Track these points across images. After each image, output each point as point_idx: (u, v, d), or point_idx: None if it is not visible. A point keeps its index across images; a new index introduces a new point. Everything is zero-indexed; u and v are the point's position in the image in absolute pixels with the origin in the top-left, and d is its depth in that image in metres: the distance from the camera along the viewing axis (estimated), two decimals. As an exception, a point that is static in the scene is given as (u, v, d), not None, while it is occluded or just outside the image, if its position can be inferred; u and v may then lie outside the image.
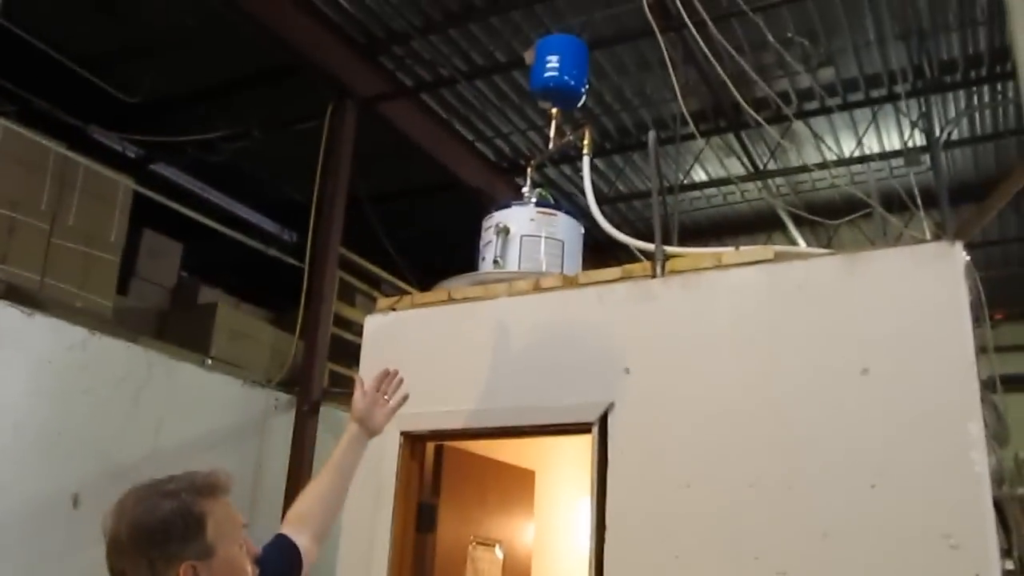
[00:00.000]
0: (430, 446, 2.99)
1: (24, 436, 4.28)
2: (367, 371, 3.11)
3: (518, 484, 3.46)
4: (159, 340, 5.26)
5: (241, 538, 1.68)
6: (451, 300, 3.01)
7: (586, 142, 3.23)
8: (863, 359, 2.36)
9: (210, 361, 5.39)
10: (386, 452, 2.92)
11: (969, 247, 2.49)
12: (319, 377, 5.41)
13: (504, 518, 3.32)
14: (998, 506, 2.41)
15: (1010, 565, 2.38)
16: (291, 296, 5.78)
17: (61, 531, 4.44)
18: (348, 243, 5.89)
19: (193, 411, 5.07)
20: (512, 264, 3.01)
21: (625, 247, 3.10)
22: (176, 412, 4.96)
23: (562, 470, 3.93)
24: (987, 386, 2.56)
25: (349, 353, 5.66)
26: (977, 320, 2.46)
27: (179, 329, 5.75)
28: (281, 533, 2.03)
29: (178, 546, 1.57)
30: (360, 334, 3.24)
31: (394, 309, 3.11)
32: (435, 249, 6.51)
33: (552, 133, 3.24)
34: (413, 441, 2.93)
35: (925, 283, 2.37)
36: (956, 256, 2.36)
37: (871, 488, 2.26)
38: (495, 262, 3.02)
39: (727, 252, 2.66)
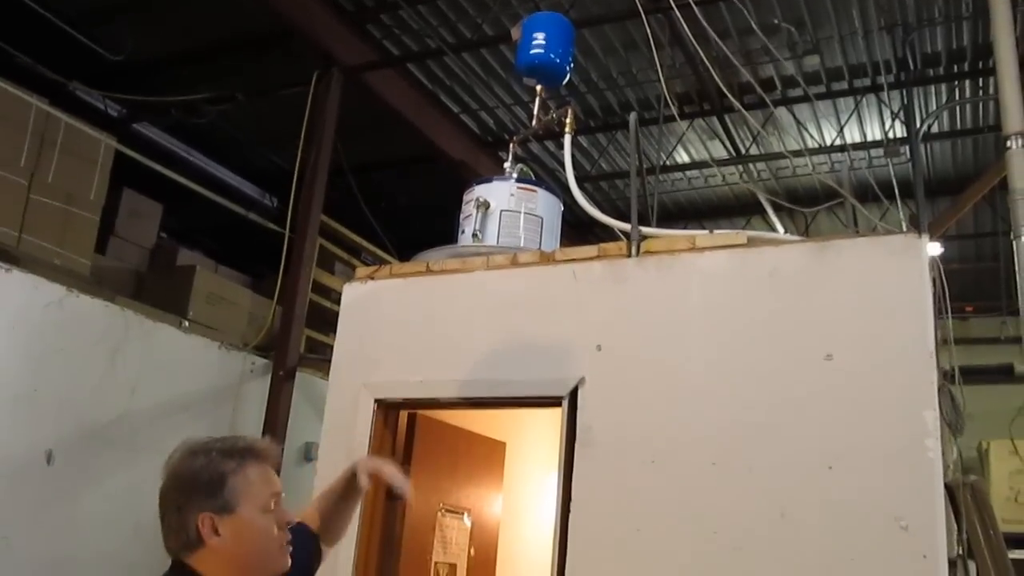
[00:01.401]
0: (403, 414, 3.04)
1: (-1, 393, 4.30)
2: (343, 339, 3.17)
3: (489, 455, 3.53)
4: (136, 301, 5.26)
5: (269, 504, 1.75)
6: (429, 272, 3.05)
7: (569, 120, 3.27)
8: (827, 345, 2.43)
9: (187, 323, 5.40)
10: (360, 418, 2.97)
11: (943, 240, 2.56)
12: (296, 343, 5.44)
13: (473, 488, 3.38)
14: (950, 492, 2.50)
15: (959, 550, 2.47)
16: (270, 262, 5.79)
17: (35, 487, 4.46)
18: (329, 211, 5.90)
19: (169, 372, 5.09)
20: (491, 238, 3.06)
21: (604, 225, 3.15)
22: (152, 373, 4.97)
23: (532, 443, 4.00)
24: (947, 377, 2.64)
25: (326, 320, 5.69)
26: (941, 312, 2.53)
27: (157, 290, 5.74)
28: (302, 522, 2.10)
29: (199, 497, 1.69)
30: (338, 302, 3.28)
31: (372, 278, 3.14)
32: (415, 221, 6.54)
33: (536, 109, 3.27)
34: (387, 409, 2.98)
35: (891, 273, 2.43)
36: (922, 248, 2.43)
37: (828, 470, 2.34)
38: (474, 236, 3.06)
39: (701, 235, 2.72)
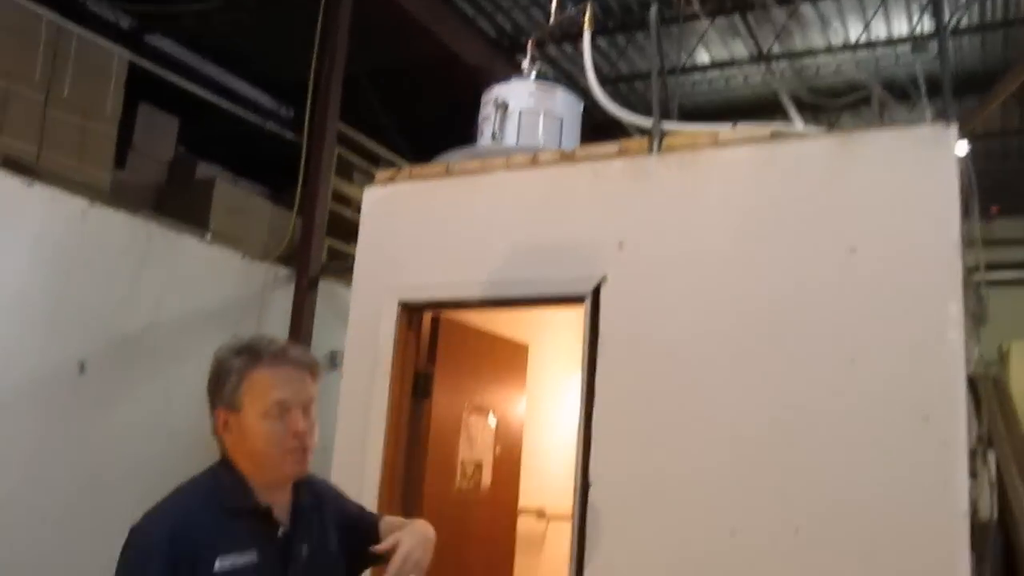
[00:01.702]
0: (427, 317, 3.07)
1: (29, 306, 4.35)
2: (365, 243, 3.18)
3: (511, 357, 3.57)
4: (157, 215, 5.28)
5: (270, 410, 1.77)
6: (449, 173, 3.03)
7: (587, 17, 3.19)
8: (851, 238, 2.41)
9: (209, 236, 5.43)
10: (384, 322, 3.01)
11: (970, 139, 2.50)
12: (317, 252, 5.46)
13: (497, 389, 3.43)
14: (972, 384, 2.51)
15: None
16: (289, 173, 5.77)
17: (69, 396, 4.57)
18: (346, 119, 5.84)
19: (193, 284, 5.14)
20: (510, 139, 3.03)
21: (623, 129, 3.11)
22: (177, 284, 5.02)
23: (554, 347, 4.04)
24: (971, 271, 2.63)
25: (347, 230, 5.69)
26: (967, 210, 2.50)
27: (177, 205, 5.75)
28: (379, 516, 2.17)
29: (215, 393, 1.80)
30: (358, 210, 3.28)
31: (392, 181, 3.14)
32: (433, 128, 6.46)
33: (554, 6, 3.20)
34: (411, 312, 3.01)
35: (917, 164, 2.40)
36: (949, 139, 2.38)
37: (851, 363, 2.35)
38: (493, 137, 3.04)
39: (724, 130, 2.68)
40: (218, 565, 1.70)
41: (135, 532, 1.72)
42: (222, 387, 1.79)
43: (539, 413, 3.97)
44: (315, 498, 1.95)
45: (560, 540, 4.05)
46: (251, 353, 1.80)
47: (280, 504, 1.83)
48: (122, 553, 1.70)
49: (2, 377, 4.28)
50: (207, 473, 1.84)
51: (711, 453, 2.46)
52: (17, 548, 4.34)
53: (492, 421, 3.36)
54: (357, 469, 2.99)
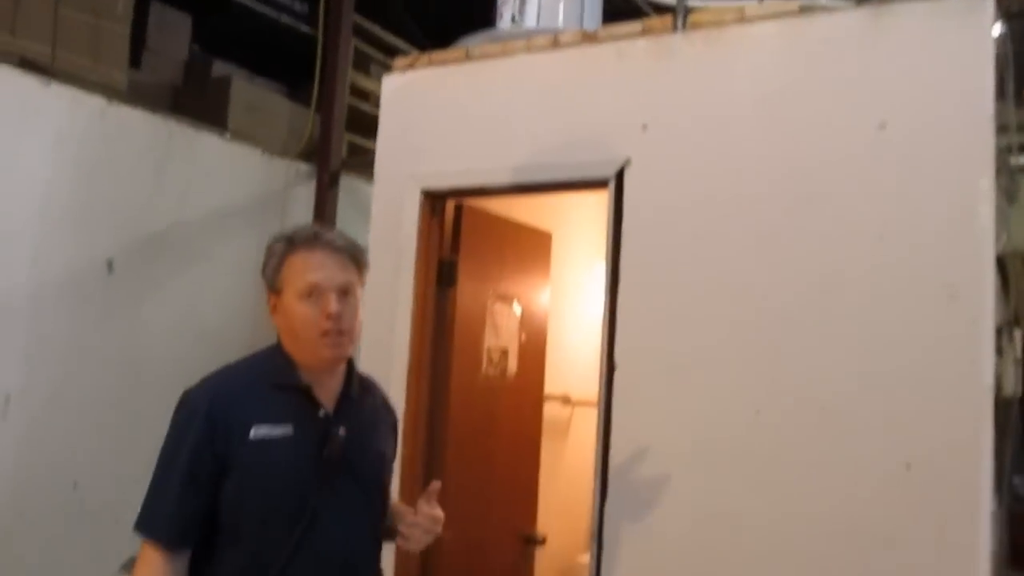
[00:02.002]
0: (450, 205, 3.06)
1: (55, 206, 4.37)
2: (385, 131, 3.15)
3: (535, 245, 3.57)
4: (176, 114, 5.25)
5: (304, 292, 1.84)
6: (469, 58, 2.98)
7: None
8: (881, 114, 2.36)
9: (228, 135, 5.40)
10: (406, 211, 3.00)
11: (1008, 18, 2.42)
12: (337, 148, 5.42)
13: (521, 277, 3.45)
14: (1001, 263, 2.48)
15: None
16: (306, 70, 5.68)
17: (100, 296, 4.63)
18: (362, 11, 5.72)
19: (215, 182, 5.13)
20: (530, 21, 2.96)
21: (645, 13, 3.02)
22: (199, 182, 5.02)
23: (578, 235, 4.03)
24: (1004, 153, 2.57)
25: (366, 125, 5.64)
26: (1002, 91, 2.42)
27: (194, 104, 5.69)
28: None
29: (266, 278, 1.92)
30: (377, 105, 3.24)
31: (412, 68, 3.08)
32: (450, 17, 6.30)
33: None
34: (433, 200, 3.00)
35: (951, 36, 2.32)
36: (986, 10, 2.30)
37: (879, 240, 2.32)
38: (512, 20, 2.96)
39: (750, 5, 2.59)
40: (253, 433, 1.80)
41: (185, 395, 1.87)
42: (268, 271, 1.90)
43: (563, 301, 3.99)
44: (369, 395, 2.03)
45: (585, 425, 4.13)
46: (290, 238, 1.90)
47: (328, 389, 1.91)
48: (173, 414, 1.86)
49: (34, 278, 4.33)
50: (261, 351, 1.96)
51: (736, 333, 2.47)
52: (57, 444, 4.48)
53: (517, 309, 3.39)
54: (385, 359, 3.04)
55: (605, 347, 2.60)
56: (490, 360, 3.23)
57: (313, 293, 1.84)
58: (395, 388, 3.04)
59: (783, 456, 2.38)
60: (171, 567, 1.79)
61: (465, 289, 3.10)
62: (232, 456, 1.79)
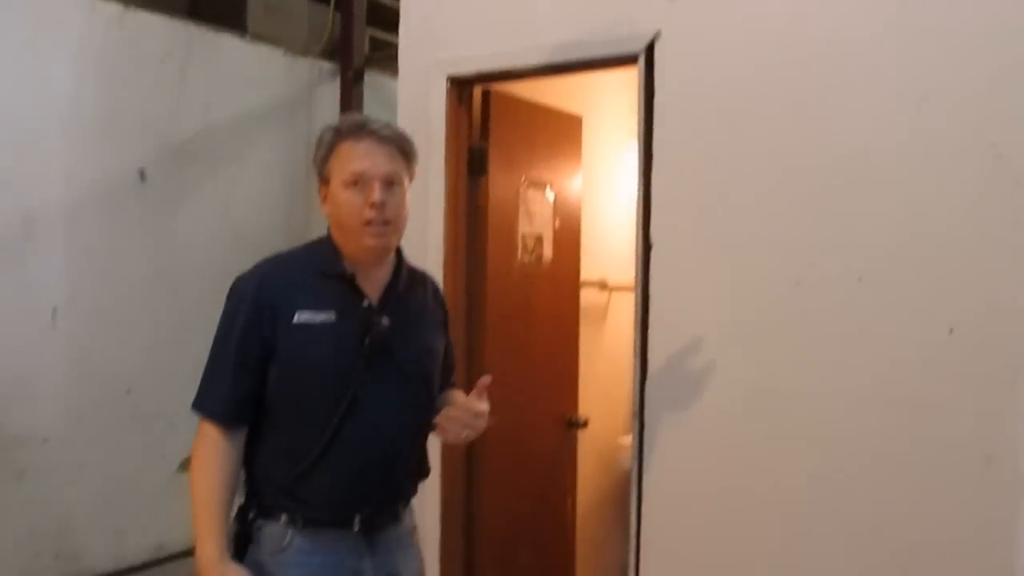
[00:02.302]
0: (477, 91, 3.01)
1: (83, 116, 4.35)
2: (408, 18, 3.07)
3: (565, 129, 3.50)
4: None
5: (350, 180, 1.86)
6: (490, -64, 2.87)
7: None
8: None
9: (248, 36, 5.31)
10: (433, 100, 2.95)
11: None
12: (360, 43, 5.32)
13: (553, 163, 3.40)
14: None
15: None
16: (322, -35, 5.54)
17: (134, 205, 4.66)
18: None
19: (239, 85, 5.07)
20: None
21: None
22: (223, 86, 4.96)
23: (609, 117, 3.95)
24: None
25: (387, 19, 5.51)
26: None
27: (211, 6, 5.59)
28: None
29: (316, 167, 1.95)
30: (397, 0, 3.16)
31: (431, -51, 2.98)
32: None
33: None
34: (460, 86, 2.94)
35: None
36: None
37: (921, 101, 2.24)
38: None
39: None
40: (296, 318, 1.85)
41: (236, 281, 1.94)
42: (317, 160, 1.94)
43: (596, 186, 3.94)
44: (419, 288, 2.05)
45: (622, 310, 4.14)
46: (338, 128, 1.94)
47: (374, 280, 1.94)
48: (225, 299, 1.93)
49: (70, 192, 4.36)
50: (312, 241, 2.01)
51: (773, 204, 2.43)
52: (108, 353, 4.58)
53: (550, 195, 3.35)
54: (420, 250, 3.03)
55: (641, 226, 2.57)
56: (525, 247, 3.22)
57: (359, 182, 1.85)
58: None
59: (823, 327, 2.37)
60: (226, 443, 1.86)
61: (496, 177, 3.07)
62: (277, 340, 1.85)
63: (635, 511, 2.61)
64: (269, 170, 5.04)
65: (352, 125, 1.94)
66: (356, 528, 1.88)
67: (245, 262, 2.34)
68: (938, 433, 2.21)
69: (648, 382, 2.62)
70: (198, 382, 1.92)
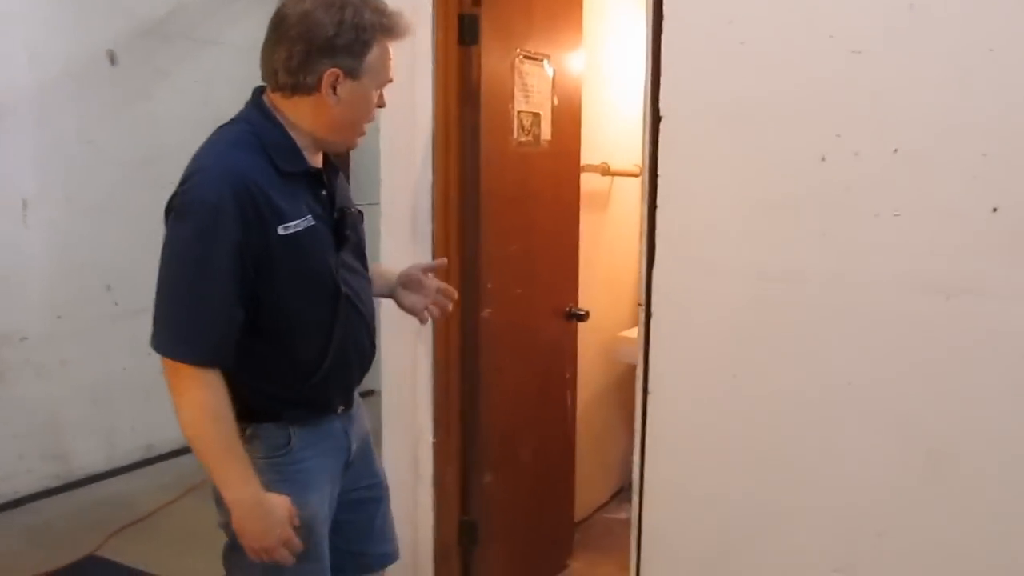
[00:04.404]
0: (467, -51, 2.71)
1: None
2: None
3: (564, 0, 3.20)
4: None
5: (383, 84, 1.77)
6: None
7: None
8: None
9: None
10: (418, -40, 2.66)
11: None
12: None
13: (552, 34, 3.11)
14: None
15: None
16: None
17: (106, 88, 4.41)
18: None
19: (213, -43, 4.75)
20: None
21: None
22: (195, -41, 4.65)
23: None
24: None
25: None
26: None
27: None
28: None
29: (340, 54, 1.67)
30: None
31: None
32: None
33: None
34: (447, -57, 2.65)
35: None
36: None
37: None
38: None
39: None
40: (282, 230, 1.67)
41: (188, 191, 1.64)
42: (354, 54, 1.68)
43: (598, 62, 3.66)
44: (329, 157, 1.92)
45: (625, 196, 3.92)
46: (389, 24, 1.72)
47: (317, 163, 1.82)
48: (184, 213, 1.62)
49: (35, 76, 4.12)
50: (246, 126, 1.74)
51: (798, 69, 2.17)
52: (85, 248, 4.39)
53: (549, 70, 3.08)
54: (407, 128, 2.81)
55: (649, 95, 2.31)
56: (521, 125, 2.96)
57: (383, 88, 1.78)
58: (419, 157, 2.82)
59: (851, 206, 2.14)
60: (220, 381, 1.66)
61: (490, 47, 2.79)
62: (269, 257, 1.66)
63: (640, 407, 2.44)
64: (252, 50, 4.74)
65: (393, 21, 1.73)
66: (339, 410, 1.89)
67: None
68: (980, 316, 2.01)
69: (656, 269, 2.41)
70: (161, 317, 1.64)
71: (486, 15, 2.77)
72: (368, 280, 1.93)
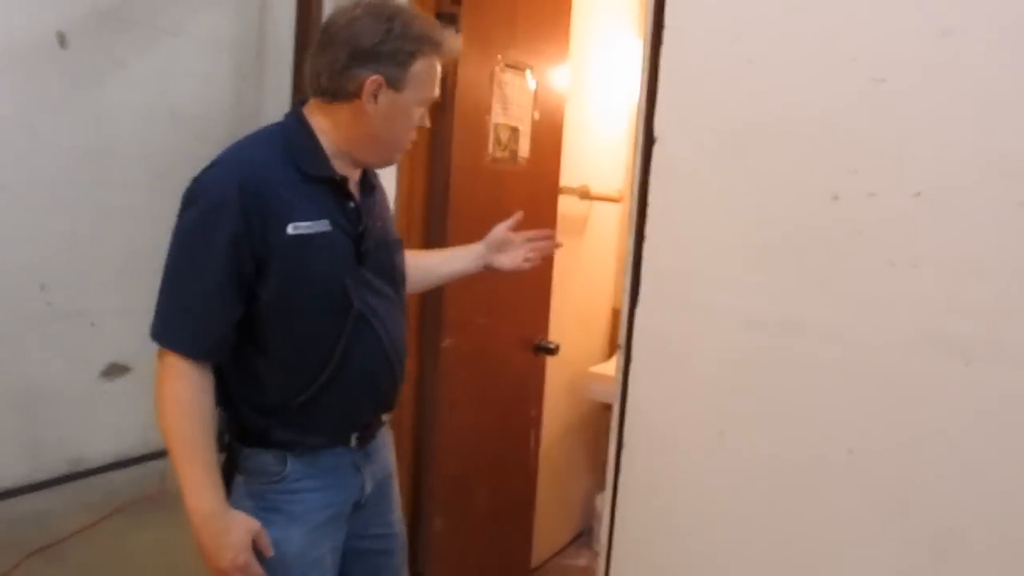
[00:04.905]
0: (447, -59, 2.46)
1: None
2: None
3: (551, 8, 2.96)
4: None
5: (426, 102, 1.74)
6: None
7: None
8: None
9: None
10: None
11: None
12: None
13: (536, 44, 2.87)
14: None
15: None
16: None
17: (53, 74, 4.10)
18: None
19: (180, -58, 4.48)
20: None
21: None
22: (159, -58, 4.37)
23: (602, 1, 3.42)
24: None
25: None
26: None
27: None
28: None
29: (384, 63, 1.65)
30: None
31: None
32: None
33: None
34: (427, -67, 2.40)
35: None
36: None
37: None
38: None
39: None
40: (291, 229, 1.63)
41: (201, 184, 1.63)
42: (397, 64, 1.66)
43: (584, 80, 3.43)
44: (375, 178, 1.90)
45: (604, 222, 3.68)
46: (439, 40, 1.71)
47: (353, 180, 1.78)
48: (188, 205, 1.63)
49: (-29, 50, 3.81)
50: (277, 128, 1.74)
51: (811, 96, 1.94)
52: (18, 242, 4.07)
53: (531, 82, 2.83)
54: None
55: (643, 114, 2.07)
56: (498, 140, 2.71)
57: (426, 106, 1.76)
58: (387, 171, 2.56)
59: (863, 252, 1.90)
60: (204, 380, 1.63)
61: (468, 51, 2.55)
62: (270, 256, 1.61)
63: (613, 462, 2.18)
64: (215, 44, 4.47)
65: (442, 38, 1.71)
66: (353, 444, 1.80)
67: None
68: (1008, 394, 1.77)
69: (639, 308, 2.15)
70: (159, 305, 1.65)
71: (466, 17, 2.53)
72: (400, 310, 1.87)
